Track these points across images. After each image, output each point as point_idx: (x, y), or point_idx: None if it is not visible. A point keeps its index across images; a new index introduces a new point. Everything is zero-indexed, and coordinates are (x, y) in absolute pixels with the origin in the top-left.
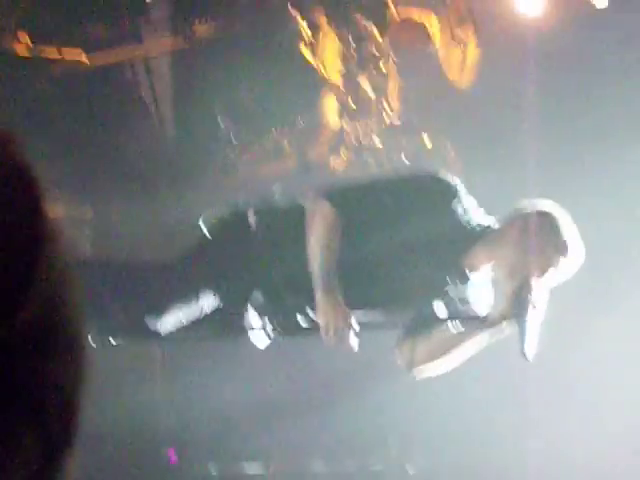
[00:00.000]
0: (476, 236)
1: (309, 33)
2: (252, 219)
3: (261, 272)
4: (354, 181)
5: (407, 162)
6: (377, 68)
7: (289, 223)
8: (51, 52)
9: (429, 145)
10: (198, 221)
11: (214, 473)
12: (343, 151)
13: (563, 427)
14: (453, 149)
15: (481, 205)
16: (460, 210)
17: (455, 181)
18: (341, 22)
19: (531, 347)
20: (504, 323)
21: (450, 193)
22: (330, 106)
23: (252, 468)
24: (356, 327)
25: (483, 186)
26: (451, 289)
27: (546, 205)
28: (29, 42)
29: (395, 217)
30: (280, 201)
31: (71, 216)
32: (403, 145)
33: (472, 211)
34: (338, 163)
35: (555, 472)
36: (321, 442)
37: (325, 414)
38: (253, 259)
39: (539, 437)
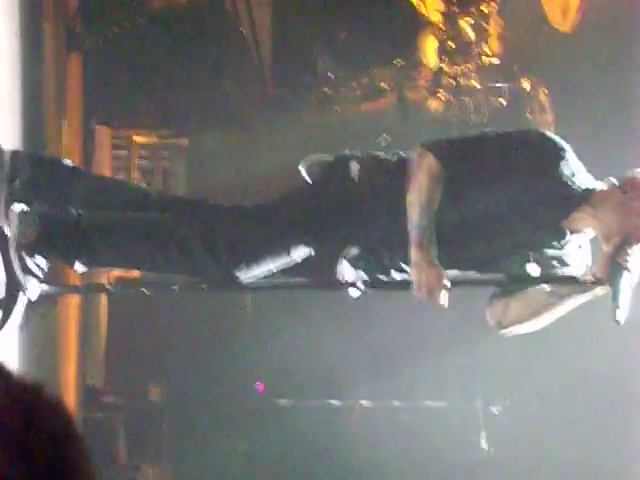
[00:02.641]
0: (580, 198)
1: None
2: (355, 168)
3: (359, 224)
4: (461, 135)
5: (504, 104)
6: (478, 9)
7: (392, 175)
8: None
9: (527, 89)
10: (296, 164)
11: (296, 405)
12: (441, 91)
13: None
14: (550, 95)
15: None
16: (567, 172)
17: (564, 144)
18: None
19: (623, 311)
20: (598, 285)
21: (558, 155)
22: (429, 46)
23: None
24: (448, 284)
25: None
26: (549, 250)
27: None
28: None
29: (500, 175)
30: (384, 151)
31: (167, 144)
32: (501, 88)
33: (579, 175)
34: (436, 103)
35: None
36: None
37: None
38: (352, 210)
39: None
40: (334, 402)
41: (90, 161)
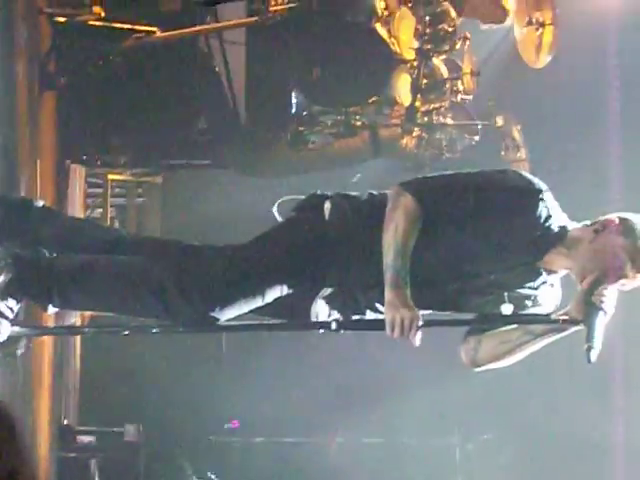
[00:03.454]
0: (555, 238)
1: (385, 10)
2: (327, 208)
3: (333, 264)
4: (438, 175)
5: (478, 141)
6: (451, 47)
7: (365, 215)
8: (124, 24)
9: (501, 125)
10: (269, 203)
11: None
12: (415, 129)
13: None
14: (524, 132)
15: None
16: (544, 213)
17: (541, 185)
18: (418, 1)
19: (597, 350)
20: (572, 325)
21: (535, 196)
22: (403, 83)
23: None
24: (421, 323)
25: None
26: (523, 290)
27: (629, 214)
28: (102, 14)
29: (476, 215)
30: (357, 191)
31: (141, 182)
32: (475, 125)
33: (555, 215)
34: (409, 140)
35: None
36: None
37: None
38: (325, 250)
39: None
40: (307, 439)
41: (64, 199)
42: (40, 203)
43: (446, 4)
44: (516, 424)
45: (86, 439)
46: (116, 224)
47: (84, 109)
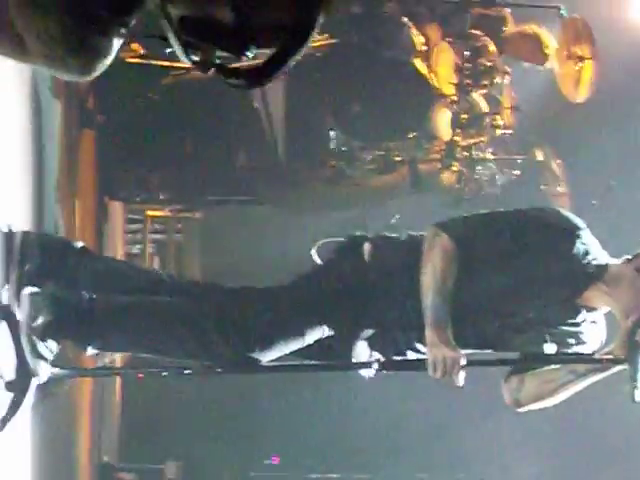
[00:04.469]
0: (593, 276)
1: (424, 45)
2: (367, 249)
3: (372, 305)
4: (474, 214)
5: (518, 175)
6: (491, 81)
7: (404, 256)
8: (162, 61)
9: (541, 160)
10: (309, 241)
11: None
12: (454, 164)
13: None
14: (564, 166)
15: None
16: (581, 250)
17: (578, 222)
18: (457, 35)
19: None
20: (616, 364)
21: (573, 234)
22: (442, 118)
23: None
24: (464, 362)
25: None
26: (564, 327)
27: None
28: (141, 51)
29: (514, 254)
30: (396, 231)
31: (180, 218)
32: (515, 159)
33: (593, 252)
34: (449, 175)
35: None
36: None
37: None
38: (365, 291)
39: None
40: (348, 475)
41: (104, 236)
42: (79, 244)
43: (485, 39)
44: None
45: (126, 477)
46: (155, 260)
47: (123, 146)
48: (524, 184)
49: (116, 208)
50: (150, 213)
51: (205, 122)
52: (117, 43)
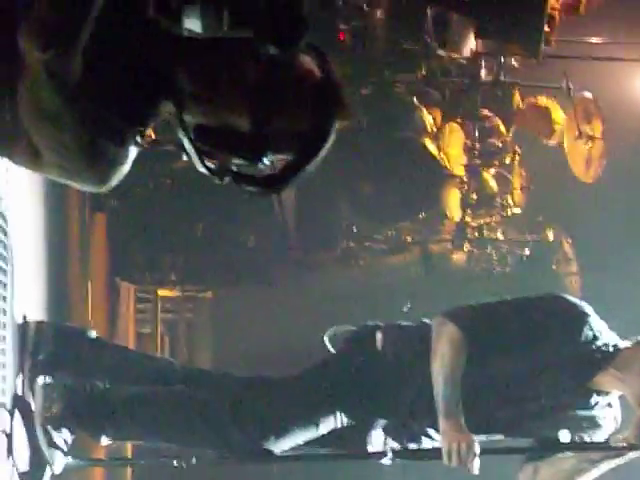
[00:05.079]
0: (604, 360)
1: (434, 126)
2: (379, 338)
3: (386, 394)
4: (481, 303)
5: (529, 254)
6: (501, 161)
7: (415, 344)
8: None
9: (552, 239)
10: (320, 326)
11: None
12: (465, 244)
13: None
14: (574, 245)
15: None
16: (589, 335)
17: (585, 307)
18: (467, 116)
19: None
20: (631, 451)
21: (580, 320)
22: (453, 199)
23: None
24: (477, 451)
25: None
26: (578, 411)
27: None
28: (153, 136)
29: (522, 341)
30: (407, 319)
31: (191, 297)
32: (525, 238)
33: (602, 336)
34: (460, 255)
35: None
36: None
37: None
38: (378, 380)
39: None
40: None
41: (115, 315)
42: (93, 333)
43: (496, 119)
44: None
45: None
46: (166, 340)
47: (134, 229)
48: (535, 263)
49: (127, 288)
50: (161, 293)
51: (216, 205)
52: (133, 152)
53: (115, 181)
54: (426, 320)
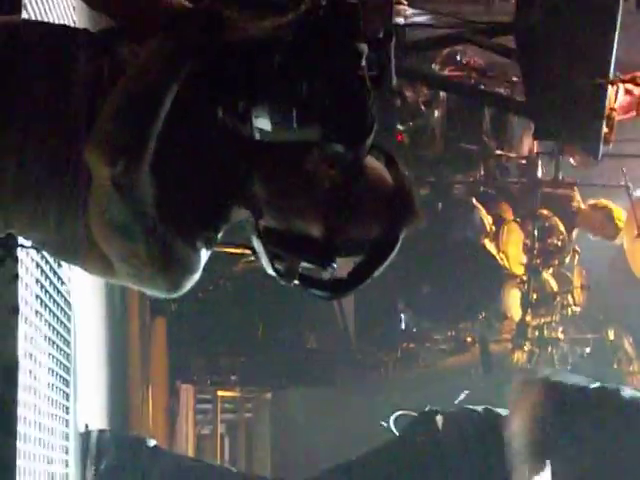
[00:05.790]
0: None
1: (493, 226)
2: (440, 421)
3: (447, 475)
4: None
5: (589, 353)
6: (561, 261)
7: (477, 425)
8: (234, 248)
9: (612, 338)
10: (382, 420)
11: None
12: (525, 343)
13: None
14: (635, 344)
15: None
16: None
17: None
18: (526, 215)
19: None
20: None
21: None
22: (513, 298)
23: None
24: None
25: None
26: None
27: None
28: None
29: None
30: (465, 406)
31: (251, 398)
32: (586, 337)
33: None
34: (520, 355)
35: None
36: None
37: None
38: (440, 461)
39: None
40: None
41: (175, 417)
42: (152, 442)
43: (555, 219)
44: None
45: None
46: (226, 441)
47: (194, 332)
48: (596, 362)
49: (187, 390)
50: (220, 394)
51: (276, 307)
52: (205, 256)
53: (188, 286)
54: (490, 407)
